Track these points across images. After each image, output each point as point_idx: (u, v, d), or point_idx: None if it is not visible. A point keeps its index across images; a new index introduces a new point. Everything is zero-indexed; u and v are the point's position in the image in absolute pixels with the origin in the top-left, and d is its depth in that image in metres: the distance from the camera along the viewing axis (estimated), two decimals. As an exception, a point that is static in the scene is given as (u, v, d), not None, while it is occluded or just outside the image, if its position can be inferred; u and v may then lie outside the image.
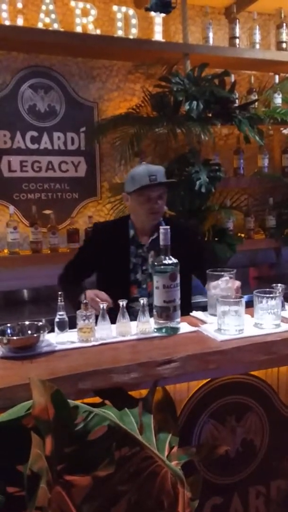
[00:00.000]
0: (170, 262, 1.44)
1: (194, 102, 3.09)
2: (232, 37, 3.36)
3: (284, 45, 3.46)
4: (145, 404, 1.17)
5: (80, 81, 3.28)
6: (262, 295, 1.49)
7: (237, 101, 3.34)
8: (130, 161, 3.28)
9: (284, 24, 3.44)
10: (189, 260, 1.72)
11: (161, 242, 1.43)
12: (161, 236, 1.43)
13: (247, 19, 3.53)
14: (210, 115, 3.20)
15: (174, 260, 1.45)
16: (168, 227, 1.44)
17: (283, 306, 1.66)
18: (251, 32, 3.46)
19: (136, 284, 2.00)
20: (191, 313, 1.67)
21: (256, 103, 3.43)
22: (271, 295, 1.49)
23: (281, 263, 3.81)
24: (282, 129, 3.72)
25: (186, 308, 1.69)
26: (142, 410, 1.16)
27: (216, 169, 3.19)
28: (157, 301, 1.43)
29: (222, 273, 1.59)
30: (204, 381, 1.41)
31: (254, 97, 3.43)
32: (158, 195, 1.98)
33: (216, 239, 3.38)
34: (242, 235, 3.55)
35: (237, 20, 3.33)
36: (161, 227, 1.45)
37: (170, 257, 1.45)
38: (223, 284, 1.54)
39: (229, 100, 3.20)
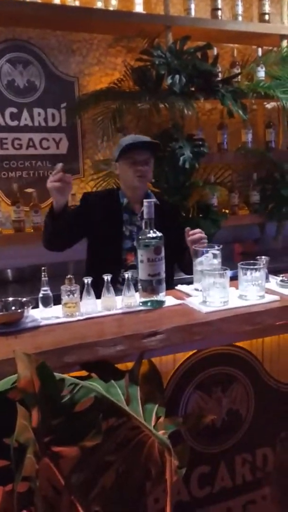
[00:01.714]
0: (154, 235, 1.43)
1: (177, 76, 3.04)
2: (214, 9, 3.29)
3: (266, 17, 3.41)
4: (131, 376, 1.17)
5: (59, 55, 3.20)
6: (247, 267, 1.50)
7: (220, 74, 3.30)
8: (112, 137, 3.24)
9: (267, -5, 3.38)
10: (172, 237, 1.73)
11: (145, 216, 1.42)
12: (144, 209, 1.42)
13: (230, -10, 3.47)
14: (193, 89, 3.16)
15: (159, 234, 1.44)
16: (152, 200, 1.43)
17: (267, 278, 1.68)
18: (233, 3, 3.40)
19: (133, 251, 2.00)
20: (176, 287, 1.67)
21: (239, 77, 3.39)
22: (255, 267, 1.49)
23: (265, 238, 3.82)
24: (265, 103, 3.69)
25: (170, 283, 1.70)
26: (128, 382, 1.16)
27: (199, 145, 3.17)
28: (142, 274, 1.42)
29: (208, 249, 1.58)
30: (190, 353, 1.42)
31: (237, 70, 3.39)
32: (144, 160, 2.04)
33: (200, 215, 3.37)
34: (227, 211, 3.54)
35: (219, -9, 3.27)
36: (144, 200, 1.43)
37: (155, 230, 1.44)
38: (206, 261, 1.54)
39: (212, 74, 3.16)
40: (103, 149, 3.35)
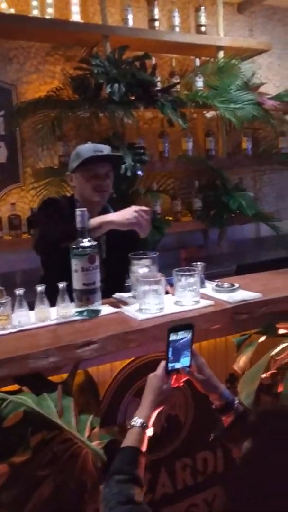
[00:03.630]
0: (88, 244, 1.42)
1: (116, 85, 3.06)
2: (151, 20, 3.34)
3: (203, 28, 3.50)
4: (65, 388, 1.16)
5: (-4, 62, 3.14)
6: (181, 273, 1.52)
7: (159, 84, 3.35)
8: (53, 146, 3.21)
9: (202, 8, 3.48)
10: (124, 244, 1.73)
11: (78, 224, 1.41)
12: (77, 218, 1.41)
13: (166, 1, 3.53)
14: (133, 98, 3.19)
15: (93, 242, 1.43)
16: (85, 209, 1.42)
17: (203, 283, 1.71)
18: (170, 15, 3.47)
19: None
20: (113, 295, 1.67)
21: (179, 87, 3.46)
22: (190, 273, 1.51)
23: (209, 244, 3.91)
24: (205, 112, 3.78)
25: (120, 291, 1.71)
26: (61, 393, 1.14)
27: (140, 153, 3.20)
28: (76, 284, 1.41)
29: (144, 256, 1.59)
30: (127, 361, 1.42)
31: (176, 80, 3.46)
32: (105, 173, 1.90)
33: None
34: (170, 218, 3.59)
35: (155, 2, 3.32)
36: (77, 209, 1.42)
37: (89, 239, 1.43)
38: (142, 270, 1.54)
39: (151, 83, 3.20)
40: (44, 158, 3.31)
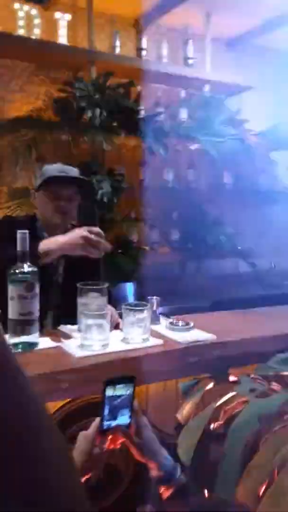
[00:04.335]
0: (28, 270, 1.31)
1: (98, 110, 3.02)
2: (139, 49, 3.33)
3: (190, 61, 3.50)
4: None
5: (-22, 79, 3.10)
6: (130, 308, 1.41)
7: (143, 113, 3.32)
8: (31, 167, 3.14)
9: (190, 41, 3.48)
10: (83, 268, 1.62)
11: (18, 248, 1.30)
12: (18, 242, 1.30)
13: (155, 32, 3.54)
14: (115, 124, 3.15)
15: (34, 268, 1.32)
16: (26, 231, 1.32)
17: (157, 320, 1.60)
18: (159, 45, 3.46)
19: None
20: (59, 327, 1.55)
21: (163, 117, 3.43)
22: (139, 308, 1.41)
23: (186, 277, 3.81)
24: (189, 145, 3.74)
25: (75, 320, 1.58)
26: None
27: (119, 180, 3.14)
28: (12, 313, 1.29)
29: (93, 286, 1.47)
30: (61, 403, 1.29)
31: (160, 110, 3.43)
32: (68, 196, 1.81)
33: (119, 251, 3.31)
34: (146, 247, 3.50)
35: (144, 32, 3.32)
36: (18, 231, 1.32)
37: (29, 264, 1.32)
38: (90, 301, 1.43)
39: (134, 111, 3.17)
40: (22, 178, 3.23)
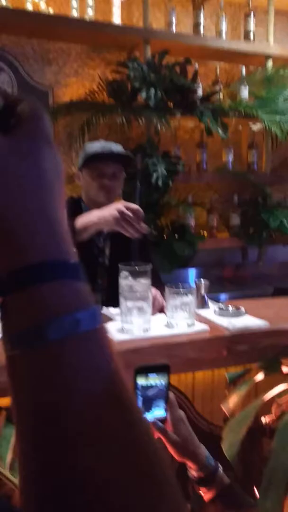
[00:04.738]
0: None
1: (152, 90, 2.92)
2: (196, 24, 3.18)
3: (251, 36, 3.29)
4: (10, 414, 0.99)
5: (34, 64, 3.10)
6: (175, 290, 1.32)
7: (201, 92, 3.17)
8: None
9: (252, 13, 3.27)
10: (129, 250, 1.57)
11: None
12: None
13: (215, 7, 3.36)
14: (171, 105, 3.04)
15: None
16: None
17: (205, 304, 1.50)
18: (218, 20, 3.29)
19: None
20: (102, 310, 1.49)
21: (222, 96, 3.26)
22: (184, 290, 1.31)
23: (248, 263, 3.65)
24: (251, 124, 3.55)
25: None
26: (3, 420, 0.98)
27: (175, 162, 3.03)
28: None
29: (135, 267, 1.39)
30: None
31: (219, 88, 3.27)
32: (112, 173, 1.78)
33: (176, 235, 3.21)
34: (204, 232, 3.38)
35: (202, 6, 3.16)
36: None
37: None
38: (132, 283, 1.35)
39: (190, 90, 3.03)
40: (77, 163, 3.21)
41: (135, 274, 1.27)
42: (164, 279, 1.77)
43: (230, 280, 3.54)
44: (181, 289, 1.30)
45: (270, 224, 3.23)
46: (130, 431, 0.34)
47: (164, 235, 3.18)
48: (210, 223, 3.38)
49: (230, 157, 3.37)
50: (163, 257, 3.08)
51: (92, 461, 0.32)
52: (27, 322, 0.33)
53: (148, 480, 0.33)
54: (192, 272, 3.46)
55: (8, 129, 0.37)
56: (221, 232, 3.48)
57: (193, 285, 1.40)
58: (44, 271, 0.34)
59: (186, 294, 1.30)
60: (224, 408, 1.16)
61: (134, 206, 1.47)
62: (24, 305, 0.34)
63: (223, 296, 3.06)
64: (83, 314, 0.34)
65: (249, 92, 3.30)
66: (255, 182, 3.35)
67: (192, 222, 3.28)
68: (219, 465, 0.95)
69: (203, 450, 0.97)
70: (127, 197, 3.00)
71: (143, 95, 2.91)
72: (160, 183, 2.91)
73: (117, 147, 1.82)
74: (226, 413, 1.15)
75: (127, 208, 1.44)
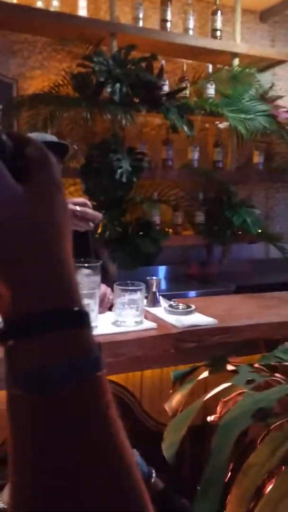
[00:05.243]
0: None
1: (117, 85, 2.89)
2: (163, 20, 3.16)
3: (218, 33, 3.30)
4: None
5: (-1, 55, 3.03)
6: (123, 287, 1.30)
7: (167, 88, 3.16)
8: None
9: (219, 12, 3.28)
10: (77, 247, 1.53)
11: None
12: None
13: (183, 3, 3.35)
14: (136, 101, 3.02)
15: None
16: None
17: (157, 302, 1.48)
18: (185, 17, 3.28)
19: None
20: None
21: (188, 93, 3.26)
22: (133, 288, 1.29)
23: (212, 261, 3.66)
24: (217, 122, 3.56)
25: None
26: None
27: (140, 159, 3.02)
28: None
29: (85, 264, 1.36)
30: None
31: (185, 85, 3.26)
32: None
33: (140, 233, 3.20)
34: (170, 230, 3.37)
35: (169, 3, 3.15)
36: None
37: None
38: (80, 279, 1.32)
39: (156, 86, 3.02)
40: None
41: (82, 271, 1.25)
42: (128, 277, 1.76)
43: (195, 278, 3.56)
44: (129, 286, 1.28)
45: (234, 222, 3.25)
46: (125, 478, 0.36)
47: (129, 232, 3.17)
48: (175, 220, 3.38)
49: (196, 155, 3.37)
50: (127, 254, 3.07)
51: (87, 505, 0.34)
52: (33, 365, 0.35)
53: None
54: (156, 270, 3.46)
55: (16, 170, 0.38)
56: (186, 230, 3.49)
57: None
58: (54, 319, 0.36)
59: (135, 291, 1.29)
60: (167, 407, 1.15)
61: (80, 200, 1.44)
62: (32, 349, 0.35)
63: (192, 293, 3.08)
64: (87, 361, 0.37)
65: (215, 90, 3.30)
66: (220, 180, 3.37)
67: (157, 219, 3.28)
68: (153, 470, 0.94)
69: (135, 458, 0.95)
70: (91, 193, 2.99)
71: (108, 89, 2.88)
72: (124, 179, 2.88)
73: (51, 137, 1.79)
74: (169, 413, 1.14)
75: (75, 204, 1.41)
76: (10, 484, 0.35)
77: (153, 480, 0.93)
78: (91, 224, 1.41)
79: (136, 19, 3.12)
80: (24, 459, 0.34)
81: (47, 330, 0.35)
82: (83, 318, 0.38)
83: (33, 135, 1.81)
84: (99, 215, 1.44)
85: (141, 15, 3.12)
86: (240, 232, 3.38)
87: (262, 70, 3.50)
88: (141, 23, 3.12)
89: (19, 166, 0.39)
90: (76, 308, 0.37)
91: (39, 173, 0.39)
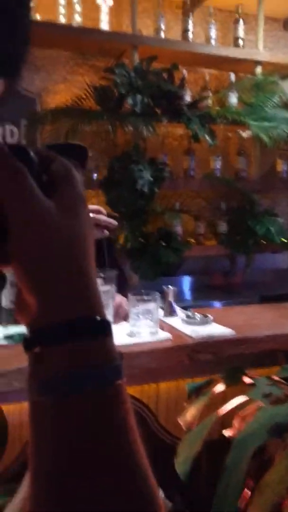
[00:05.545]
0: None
1: (139, 96, 2.91)
2: (185, 31, 3.17)
3: (240, 42, 3.28)
4: None
5: (23, 71, 3.09)
6: (138, 297, 1.29)
7: (189, 98, 3.16)
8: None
9: (241, 20, 3.27)
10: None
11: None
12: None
13: (204, 13, 3.36)
14: (158, 111, 3.03)
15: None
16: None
17: (174, 312, 1.46)
18: (207, 26, 3.28)
19: None
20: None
21: (211, 103, 3.25)
22: (147, 298, 1.28)
23: (236, 271, 3.61)
24: (240, 131, 3.53)
25: None
26: None
27: (161, 169, 3.02)
28: (5, 301, 1.21)
29: (100, 274, 1.35)
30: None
31: (207, 94, 3.25)
32: None
33: (162, 243, 3.19)
34: (192, 240, 3.35)
35: (191, 13, 3.16)
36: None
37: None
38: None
39: (177, 96, 3.02)
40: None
41: (101, 282, 1.24)
42: (150, 288, 1.73)
43: (218, 288, 3.51)
44: (144, 296, 1.27)
45: (258, 232, 3.20)
46: (142, 484, 0.38)
47: (150, 242, 3.16)
48: (198, 230, 3.35)
49: (218, 164, 3.35)
50: (148, 264, 3.06)
51: (105, 507, 0.35)
52: (59, 372, 0.36)
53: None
54: (179, 280, 3.43)
55: (43, 185, 0.40)
56: (208, 240, 3.45)
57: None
58: (79, 328, 0.37)
59: (149, 301, 1.27)
60: (181, 421, 1.12)
61: (95, 206, 1.43)
62: (57, 356, 0.37)
63: (216, 304, 3.05)
64: (110, 368, 0.38)
65: (238, 99, 3.28)
66: (243, 189, 3.33)
67: (179, 230, 3.26)
68: (161, 490, 0.91)
69: None
70: (114, 205, 3.00)
71: (129, 101, 2.90)
72: (146, 189, 2.89)
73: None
74: (183, 427, 1.11)
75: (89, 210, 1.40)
76: (30, 494, 0.36)
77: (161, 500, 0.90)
78: (106, 232, 1.40)
79: (158, 30, 3.14)
80: (46, 464, 0.35)
81: (73, 338, 0.37)
82: (106, 327, 0.39)
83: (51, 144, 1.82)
84: (113, 222, 1.42)
85: (162, 26, 3.14)
86: (263, 242, 3.33)
87: (285, 77, 3.45)
88: (162, 34, 3.14)
89: (45, 181, 0.41)
90: (99, 318, 0.39)
91: (65, 188, 0.41)
